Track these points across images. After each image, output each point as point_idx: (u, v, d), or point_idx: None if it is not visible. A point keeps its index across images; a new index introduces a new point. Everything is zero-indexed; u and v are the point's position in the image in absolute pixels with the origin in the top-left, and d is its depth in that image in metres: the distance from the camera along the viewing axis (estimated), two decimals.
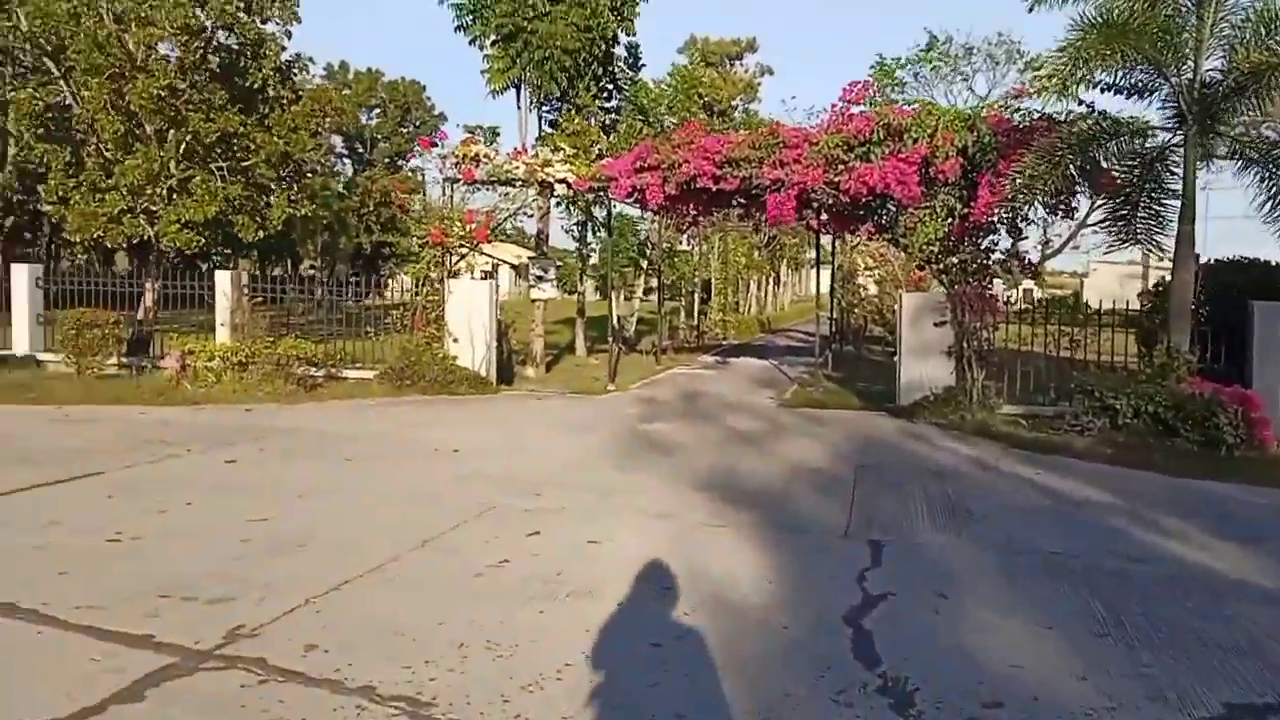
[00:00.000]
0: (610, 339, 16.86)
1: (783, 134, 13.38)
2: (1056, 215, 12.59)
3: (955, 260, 12.96)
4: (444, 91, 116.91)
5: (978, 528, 7.25)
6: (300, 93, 21.12)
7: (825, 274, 27.05)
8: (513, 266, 69.73)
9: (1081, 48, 10.17)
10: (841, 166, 12.99)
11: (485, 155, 14.49)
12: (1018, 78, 13.19)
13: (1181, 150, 11.00)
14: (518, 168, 14.40)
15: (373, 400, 13.38)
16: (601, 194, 15.36)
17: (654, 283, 26.74)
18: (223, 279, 15.31)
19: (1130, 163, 10.92)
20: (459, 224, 14.24)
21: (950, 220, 12.74)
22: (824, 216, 15.61)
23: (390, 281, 63.59)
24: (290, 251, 63.22)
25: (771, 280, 48.76)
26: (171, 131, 19.08)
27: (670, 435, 11.20)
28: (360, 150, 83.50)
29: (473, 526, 6.79)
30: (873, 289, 27.01)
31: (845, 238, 25.18)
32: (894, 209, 13.16)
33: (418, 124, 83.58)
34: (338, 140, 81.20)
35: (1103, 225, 11.42)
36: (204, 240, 19.19)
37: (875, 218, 13.41)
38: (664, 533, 6.73)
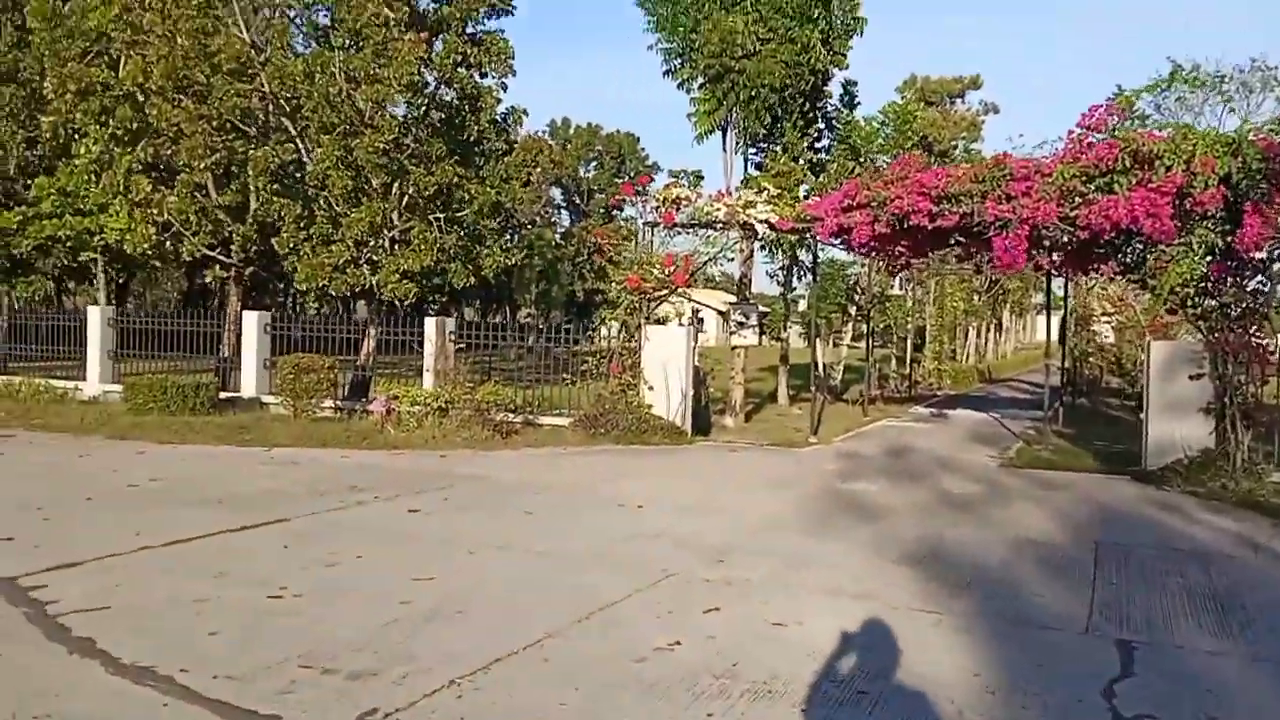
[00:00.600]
0: (813, 388, 15.91)
1: (1009, 165, 12.13)
2: None
3: (1215, 303, 11.24)
4: (657, 141, 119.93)
5: (1255, 631, 5.87)
6: (513, 144, 21.66)
7: (1055, 319, 24.92)
8: (719, 313, 69.99)
9: None
10: (1079, 199, 11.60)
11: (686, 198, 14.08)
12: (1276, 107, 11.42)
13: None
14: (718, 209, 13.89)
15: (565, 448, 13.11)
16: (806, 235, 14.56)
17: (863, 329, 25.49)
18: (429, 325, 15.65)
19: None
20: (657, 268, 13.86)
21: (1209, 258, 11.07)
22: (1056, 257, 14.10)
23: (602, 328, 65.46)
24: (509, 299, 66.09)
25: (992, 326, 45.92)
26: (395, 185, 19.99)
27: (874, 497, 10.18)
28: (578, 202, 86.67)
29: (646, 597, 6.15)
30: (1109, 336, 24.54)
31: (1079, 280, 23.07)
32: (1140, 246, 11.60)
33: (633, 174, 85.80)
34: (556, 192, 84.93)
35: None
36: (419, 289, 19.85)
37: (1118, 256, 11.88)
38: (861, 617, 5.82)
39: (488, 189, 20.36)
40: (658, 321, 14.43)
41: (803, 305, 27.71)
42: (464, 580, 6.38)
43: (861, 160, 19.64)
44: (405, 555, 7.00)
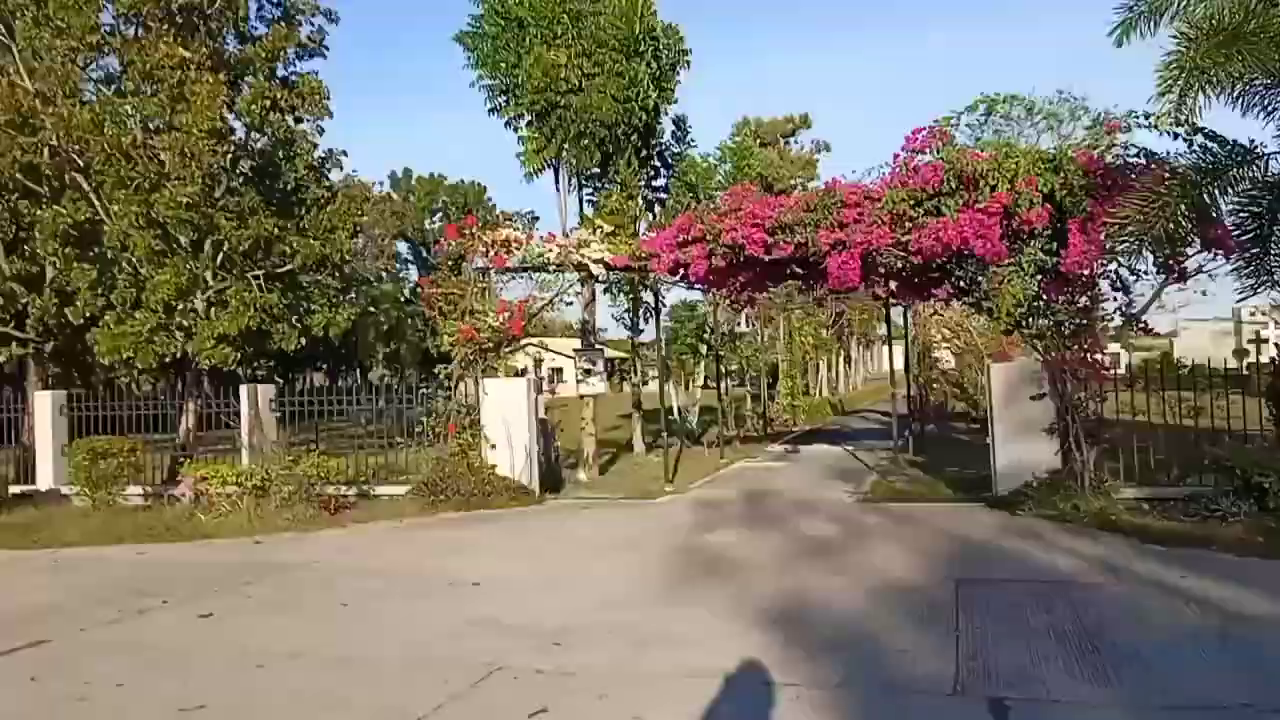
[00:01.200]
0: (665, 434, 15.29)
1: (840, 192, 11.92)
2: (1169, 275, 10.77)
3: (1049, 322, 11.22)
4: (506, 191, 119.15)
5: (1132, 672, 5.44)
6: (335, 191, 20.47)
7: (900, 349, 25.35)
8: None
9: (1191, 61, 8.57)
10: (910, 224, 11.46)
11: (517, 240, 13.31)
12: (1085, 136, 11.58)
13: None
14: (550, 251, 13.17)
15: (401, 521, 11.99)
16: (645, 274, 14.01)
17: (718, 369, 25.27)
18: (243, 394, 14.27)
19: (1257, 193, 9.17)
20: (490, 317, 13.00)
21: (1040, 277, 11.05)
22: (893, 284, 14.01)
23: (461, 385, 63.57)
24: (357, 361, 63.55)
25: (841, 359, 46.95)
26: (206, 242, 18.48)
27: (732, 549, 9.54)
28: (425, 255, 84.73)
29: (463, 706, 5.24)
30: (951, 361, 25.10)
31: (919, 308, 23.49)
32: (973, 268, 11.50)
33: (480, 225, 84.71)
34: (403, 246, 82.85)
35: (1235, 269, 9.63)
36: (240, 354, 18.30)
37: (952, 280, 11.77)
38: (717, 702, 5.08)
39: (310, 241, 19.06)
40: (519, 373, 13.54)
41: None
42: (240, 705, 5.30)
43: (699, 198, 19.37)
44: (179, 678, 5.86)
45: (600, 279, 14.93)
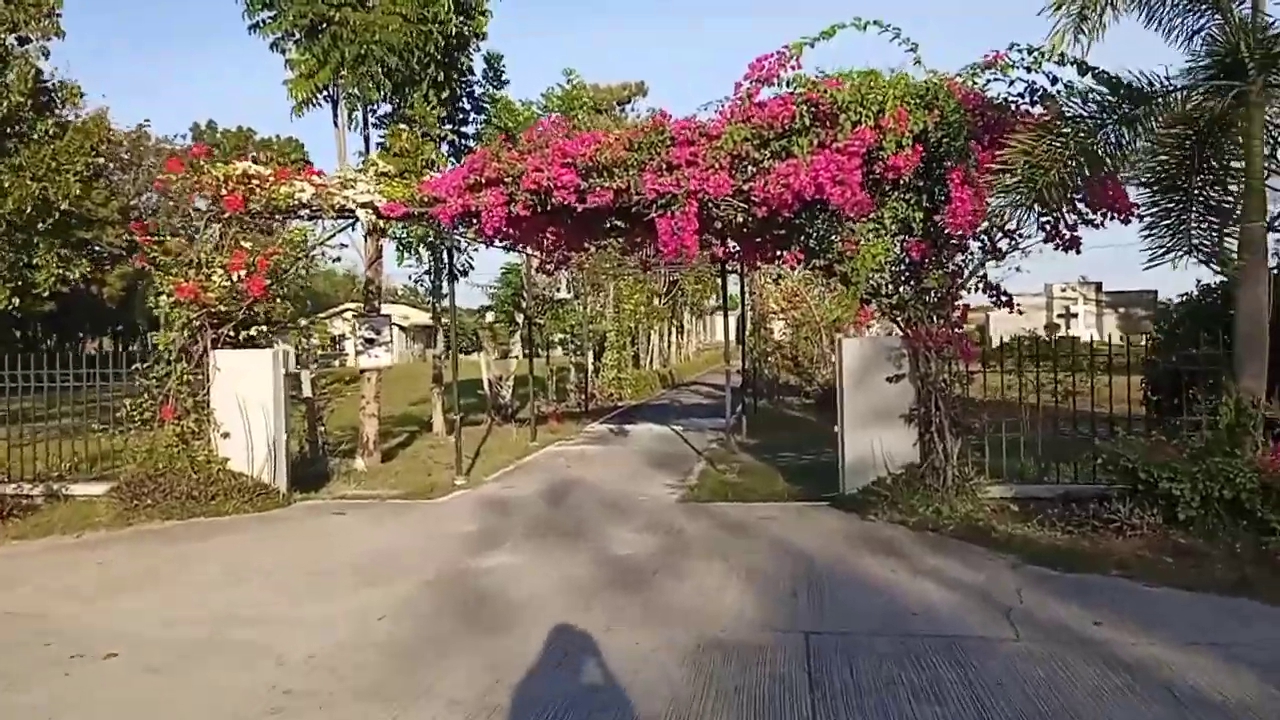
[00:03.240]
0: (455, 418, 12.71)
1: (669, 127, 9.66)
2: (1053, 240, 9.02)
3: (911, 290, 9.36)
4: (325, 149, 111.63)
5: None
6: (65, 125, 16.66)
7: (735, 319, 23.63)
8: (401, 328, 64.99)
9: None
10: (753, 167, 9.34)
11: (259, 178, 10.38)
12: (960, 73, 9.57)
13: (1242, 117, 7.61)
14: (302, 191, 10.32)
15: (78, 535, 9.01)
16: (424, 222, 11.34)
17: (537, 338, 22.80)
18: None
19: (1175, 138, 7.48)
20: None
21: (904, 236, 9.16)
22: (731, 244, 11.93)
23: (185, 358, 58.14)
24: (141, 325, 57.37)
25: (673, 329, 45.41)
26: None
27: (509, 580, 7.15)
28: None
29: None
30: (786, 334, 23.59)
31: (754, 275, 21.77)
32: (825, 225, 9.50)
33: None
34: (202, 203, 75.72)
35: (1147, 228, 7.99)
36: None
37: (800, 239, 9.72)
38: None
39: (27, 181, 15.32)
40: (244, 345, 10.60)
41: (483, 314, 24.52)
42: None
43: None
44: None
45: (374, 228, 12.14)
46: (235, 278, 10.11)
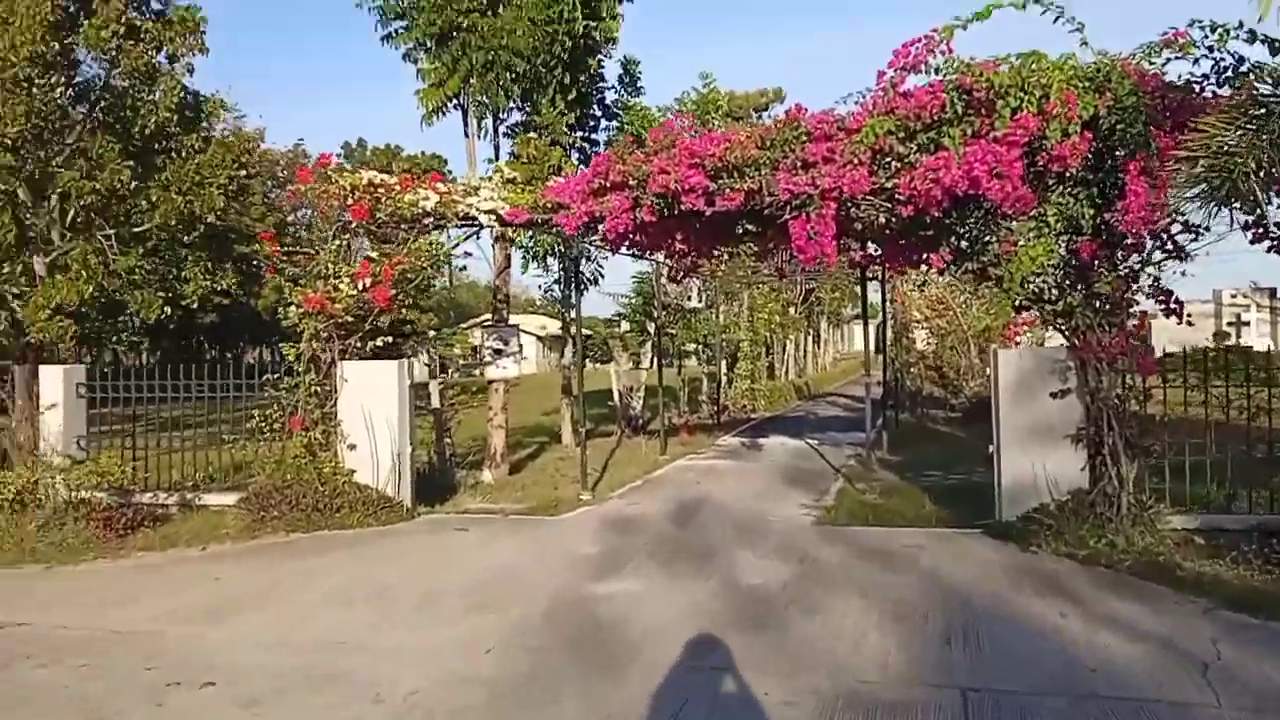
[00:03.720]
0: (579, 429, 12.33)
1: (804, 122, 8.99)
2: (1257, 235, 7.85)
3: (1080, 296, 8.38)
4: (460, 163, 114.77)
5: None
6: (210, 139, 17.22)
7: (874, 328, 22.55)
8: (539, 339, 65.67)
9: None
10: (897, 163, 8.56)
11: (385, 186, 10.25)
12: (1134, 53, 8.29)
13: None
14: (427, 199, 10.11)
15: (206, 548, 9.01)
16: (548, 229, 11.00)
17: (669, 347, 22.37)
18: (26, 378, 11.16)
19: None
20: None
21: (1071, 235, 8.20)
22: (873, 247, 11.12)
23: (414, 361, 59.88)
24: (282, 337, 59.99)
25: (810, 338, 44.25)
26: (53, 195, 15.27)
27: (631, 610, 6.63)
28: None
29: None
30: (930, 343, 22.33)
31: (895, 282, 20.70)
32: (977, 225, 8.63)
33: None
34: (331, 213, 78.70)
35: None
36: (80, 326, 15.18)
37: (949, 240, 8.87)
38: None
39: (172, 195, 15.86)
40: (372, 356, 10.50)
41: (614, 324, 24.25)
42: None
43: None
44: None
45: (500, 235, 11.89)
46: (361, 287, 9.98)
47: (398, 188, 10.34)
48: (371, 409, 10.16)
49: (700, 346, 24.23)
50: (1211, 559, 7.50)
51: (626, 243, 10.65)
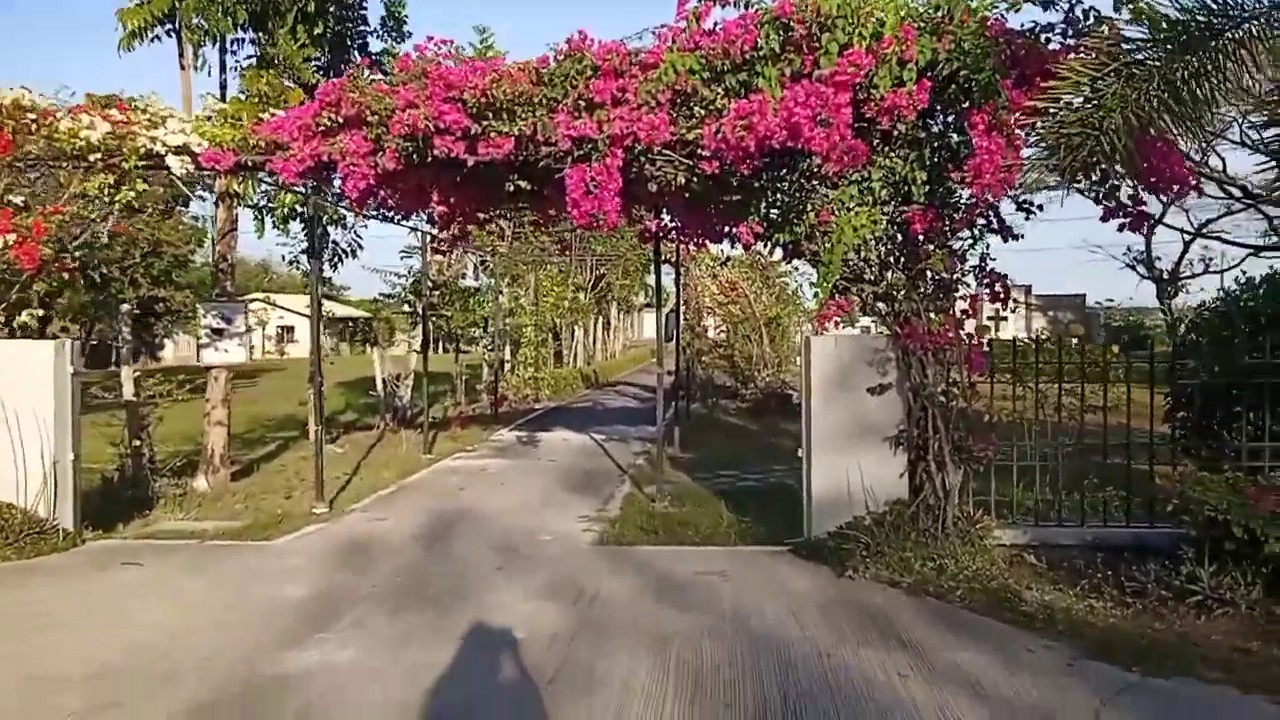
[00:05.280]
0: (313, 429, 10.10)
1: (591, 54, 7.28)
2: (1120, 221, 6.85)
3: (905, 275, 7.15)
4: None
5: None
6: None
7: (667, 314, 21.30)
8: (351, 322, 60.63)
9: None
10: (702, 110, 7.01)
11: (31, 108, 7.67)
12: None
13: None
14: (92, 126, 7.63)
15: None
16: (268, 176, 8.73)
17: (442, 329, 20.20)
18: None
19: None
20: None
21: (900, 205, 6.94)
22: (668, 217, 9.57)
23: (168, 342, 53.71)
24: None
25: (600, 325, 43.01)
26: None
27: (329, 700, 4.70)
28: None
29: None
30: (722, 331, 21.39)
31: (691, 265, 19.52)
32: (792, 189, 7.23)
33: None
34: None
35: None
36: None
37: (759, 207, 7.42)
38: None
39: None
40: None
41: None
42: None
43: None
44: None
45: (224, 190, 9.48)
46: (2, 243, 7.39)
47: (58, 114, 7.78)
48: (16, 403, 7.61)
49: (480, 331, 22.23)
50: (1053, 584, 6.47)
51: (373, 200, 8.55)
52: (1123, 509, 7.51)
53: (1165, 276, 33.19)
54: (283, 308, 53.35)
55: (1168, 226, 31.60)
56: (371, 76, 7.96)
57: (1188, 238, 31.80)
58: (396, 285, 19.20)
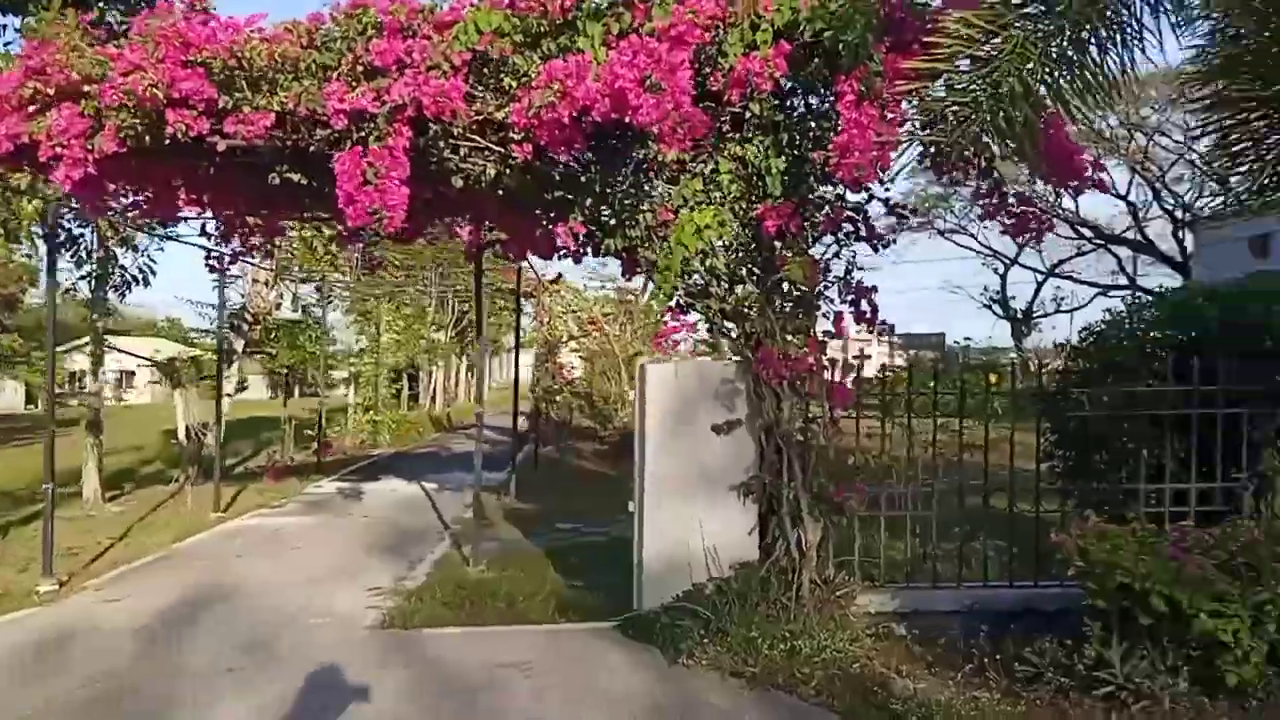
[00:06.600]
0: (46, 485, 8.06)
1: (373, 11, 5.82)
2: (1003, 224, 5.80)
3: (759, 288, 5.91)
4: None
5: None
6: None
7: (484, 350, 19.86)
8: (154, 364, 56.27)
9: None
10: (513, 81, 5.64)
11: None
12: None
13: None
14: None
15: None
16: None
17: (271, 367, 18.18)
18: None
19: None
20: None
21: (752, 201, 5.71)
22: (477, 223, 8.10)
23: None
24: None
25: (464, 366, 41.12)
26: None
27: None
28: None
29: None
30: (577, 367, 20.00)
31: (545, 296, 18.16)
32: (625, 183, 5.92)
33: None
34: None
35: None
36: None
37: (585, 204, 6.06)
38: None
39: None
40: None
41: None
42: None
43: None
44: None
45: None
46: None
47: None
48: None
49: (309, 366, 20.13)
50: (928, 666, 5.25)
51: (95, 193, 6.78)
52: (1005, 565, 6.39)
53: (1019, 316, 33.80)
54: (121, 350, 49.24)
55: (1023, 266, 32.28)
56: (84, 30, 6.25)
57: (1040, 277, 32.49)
58: (211, 319, 17.10)
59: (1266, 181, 3.50)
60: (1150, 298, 7.49)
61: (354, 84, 5.74)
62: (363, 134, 5.75)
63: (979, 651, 5.19)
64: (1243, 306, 6.63)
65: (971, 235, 31.69)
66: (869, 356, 7.19)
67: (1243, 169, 3.60)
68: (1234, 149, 3.62)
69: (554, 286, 17.72)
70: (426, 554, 8.88)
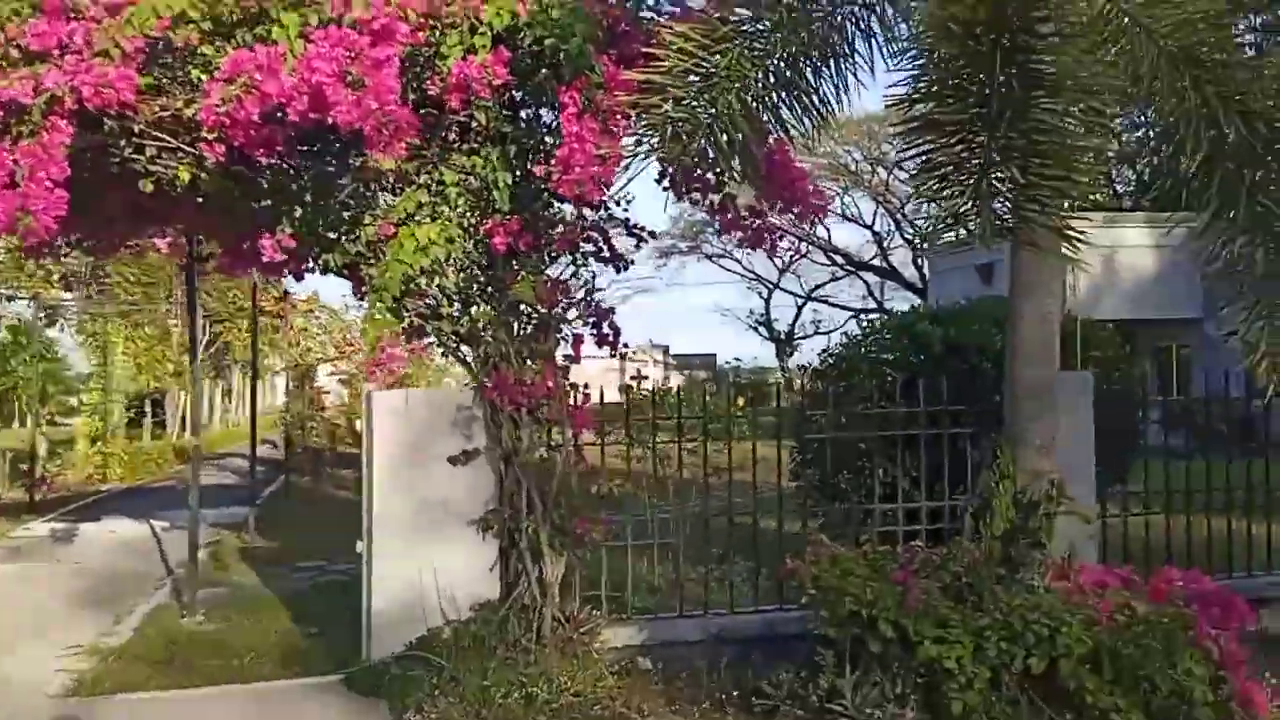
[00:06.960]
0: None
1: None
2: (741, 238, 5.70)
3: (493, 309, 5.55)
4: None
5: None
6: None
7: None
8: None
9: None
10: (203, 74, 4.98)
11: None
12: None
13: None
14: None
15: None
16: None
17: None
18: None
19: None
20: None
21: (481, 215, 5.33)
22: (179, 228, 7.27)
23: None
24: None
25: (221, 392, 38.35)
26: None
27: None
28: None
29: None
30: (337, 394, 18.97)
31: (293, 314, 17.03)
32: (344, 193, 5.41)
33: None
34: None
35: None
36: None
37: (292, 214, 5.47)
38: None
39: None
40: None
41: None
42: None
43: None
44: None
45: None
46: None
47: None
48: None
49: (37, 399, 17.92)
50: (670, 703, 5.07)
51: None
52: (751, 588, 6.31)
53: (782, 337, 35.43)
54: None
55: (784, 290, 33.92)
56: None
57: (800, 301, 34.22)
58: None
59: (963, 210, 3.48)
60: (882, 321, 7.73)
61: (5, 70, 4.92)
62: (20, 128, 4.94)
63: (720, 683, 5.04)
64: (966, 328, 6.95)
65: (736, 260, 33.02)
66: (646, 377, 7.03)
67: (946, 194, 3.58)
68: (938, 172, 3.60)
69: (304, 305, 16.65)
70: (140, 605, 7.92)
